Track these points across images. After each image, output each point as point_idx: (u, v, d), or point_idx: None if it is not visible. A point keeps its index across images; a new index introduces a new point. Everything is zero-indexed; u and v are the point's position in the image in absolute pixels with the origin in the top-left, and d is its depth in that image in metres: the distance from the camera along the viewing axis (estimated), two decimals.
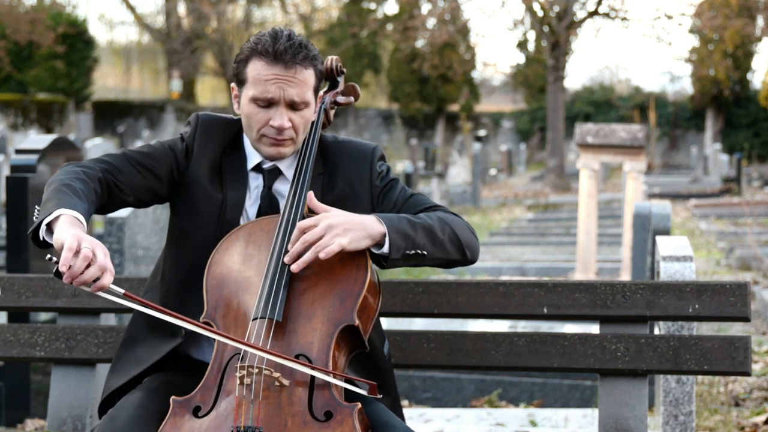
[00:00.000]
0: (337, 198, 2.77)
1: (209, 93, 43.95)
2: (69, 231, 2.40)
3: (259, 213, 2.78)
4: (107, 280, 2.40)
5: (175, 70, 39.25)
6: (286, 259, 2.58)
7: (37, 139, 6.20)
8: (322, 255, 2.53)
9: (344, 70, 2.99)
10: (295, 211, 2.68)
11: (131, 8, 40.73)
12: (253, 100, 2.70)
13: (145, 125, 37.00)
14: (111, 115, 37.67)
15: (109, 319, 3.36)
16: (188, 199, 2.79)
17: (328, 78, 2.97)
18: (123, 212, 6.14)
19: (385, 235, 2.60)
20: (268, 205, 2.78)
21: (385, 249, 2.60)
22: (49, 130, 33.37)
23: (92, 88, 36.73)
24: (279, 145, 2.72)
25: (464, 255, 2.74)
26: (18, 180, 5.77)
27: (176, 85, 39.21)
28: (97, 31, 56.77)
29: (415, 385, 6.46)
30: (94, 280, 2.39)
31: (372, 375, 2.71)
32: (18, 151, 6.03)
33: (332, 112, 2.96)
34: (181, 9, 39.94)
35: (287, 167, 2.80)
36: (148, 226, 6.53)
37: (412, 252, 2.63)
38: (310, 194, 2.66)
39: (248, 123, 2.74)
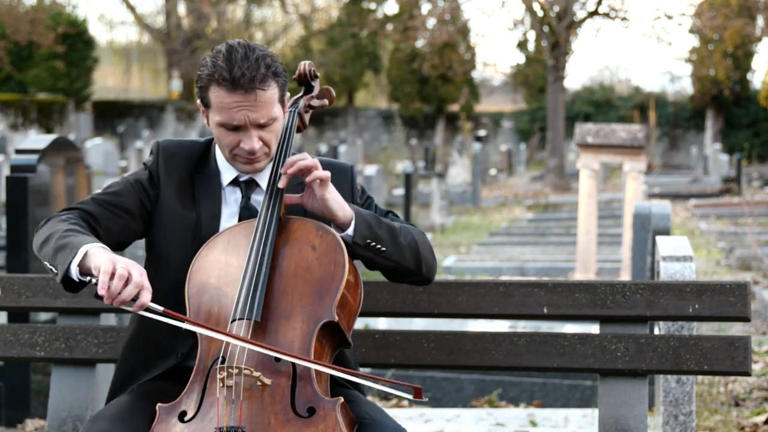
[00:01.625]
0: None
1: None
2: (103, 256, 2.47)
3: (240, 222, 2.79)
4: (146, 298, 2.46)
5: (175, 70, 39.24)
6: (280, 184, 2.69)
7: (37, 139, 6.19)
8: (311, 176, 2.64)
9: (318, 74, 3.00)
10: (272, 212, 2.70)
11: (131, 8, 40.72)
12: (221, 125, 2.71)
13: (145, 125, 37.00)
14: (111, 115, 37.65)
15: (109, 319, 3.36)
16: (163, 223, 2.81)
17: (302, 83, 2.98)
18: None
19: (352, 219, 2.68)
20: (248, 215, 2.80)
21: (350, 231, 2.67)
22: (49, 130, 33.36)
23: (92, 88, 36.72)
24: (253, 162, 2.75)
25: (419, 267, 2.78)
26: (18, 180, 5.77)
27: (176, 85, 39.20)
28: (97, 31, 56.72)
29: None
30: (134, 299, 2.45)
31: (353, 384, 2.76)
32: (18, 151, 6.03)
33: (307, 116, 2.97)
34: (181, 9, 39.93)
35: (262, 177, 2.82)
36: None
37: (372, 244, 2.68)
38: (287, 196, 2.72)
39: (219, 144, 2.77)
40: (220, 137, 2.74)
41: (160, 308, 2.49)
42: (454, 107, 37.79)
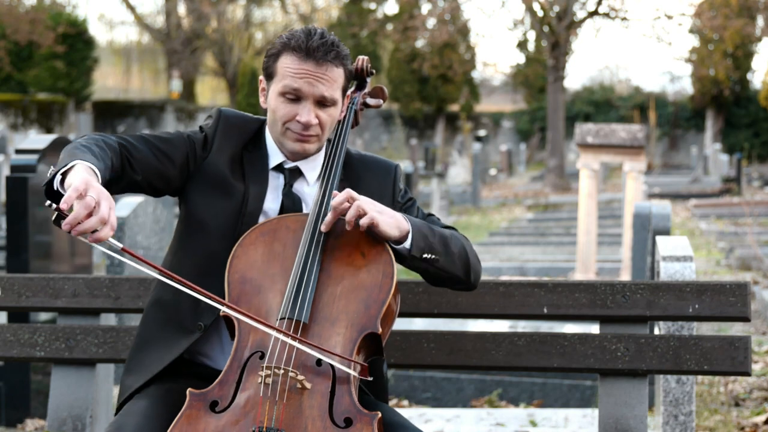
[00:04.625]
0: None
1: (209, 93, 43.95)
2: (81, 176, 2.34)
3: (282, 211, 2.76)
4: (105, 233, 2.31)
5: (175, 70, 39.26)
6: (323, 228, 2.61)
7: (37, 139, 6.20)
8: (358, 220, 2.55)
9: (374, 71, 2.97)
10: (324, 209, 2.66)
11: (131, 8, 40.73)
12: (282, 94, 2.69)
13: (145, 125, 37.01)
14: (111, 115, 37.66)
15: (109, 319, 3.36)
16: (206, 189, 2.75)
17: (357, 78, 2.95)
18: (123, 212, 6.14)
19: (408, 232, 2.63)
20: (291, 203, 2.76)
21: (407, 245, 2.63)
22: (49, 130, 33.36)
23: (92, 88, 36.72)
24: (304, 140, 2.72)
25: (468, 275, 2.75)
26: (18, 180, 5.77)
27: (176, 85, 39.21)
28: (97, 31, 56.74)
29: (415, 385, 6.46)
30: (93, 232, 2.30)
31: (370, 387, 2.74)
32: (18, 151, 6.03)
33: (361, 114, 2.94)
34: (181, 9, 39.94)
35: (309, 169, 2.79)
36: (148, 226, 6.53)
37: (428, 256, 2.65)
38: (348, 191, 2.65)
39: (274, 117, 2.73)
40: (276, 109, 2.71)
41: (119, 245, 2.34)
42: (454, 107, 37.79)
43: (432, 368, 3.20)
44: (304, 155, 2.76)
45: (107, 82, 44.15)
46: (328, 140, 2.84)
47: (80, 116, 35.21)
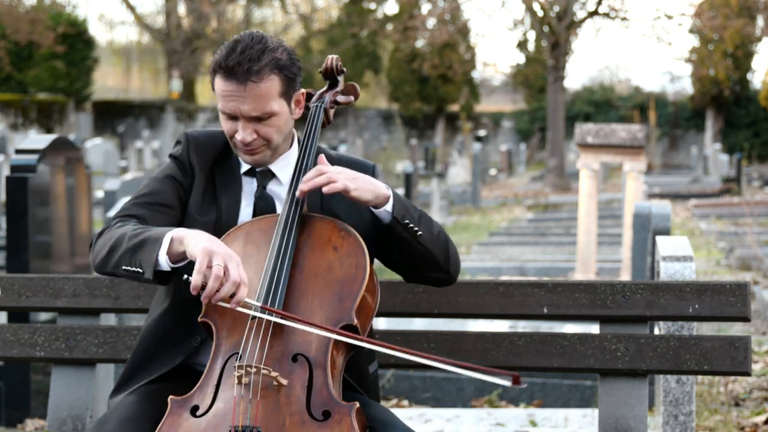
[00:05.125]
0: (336, 201, 2.76)
1: (209, 93, 43.90)
2: (196, 246, 2.43)
3: (255, 213, 2.77)
4: (242, 293, 2.43)
5: (175, 70, 39.25)
6: (298, 194, 2.63)
7: (37, 139, 6.20)
8: (327, 188, 2.57)
9: (344, 69, 2.97)
10: (295, 208, 2.67)
11: (131, 8, 40.73)
12: (221, 112, 2.72)
13: (145, 125, 37.00)
14: (111, 115, 37.66)
15: (109, 319, 3.37)
16: (193, 213, 2.78)
17: (327, 77, 2.96)
18: None
19: (389, 197, 2.65)
20: (263, 204, 2.78)
21: (388, 207, 2.64)
22: (49, 130, 33.38)
23: (92, 88, 36.73)
24: (252, 153, 2.72)
25: (447, 262, 2.76)
26: (18, 180, 5.77)
27: (176, 85, 39.20)
28: (97, 31, 56.77)
29: (415, 385, 6.46)
30: (232, 295, 2.42)
31: (353, 386, 2.73)
32: (18, 151, 6.03)
33: (332, 111, 2.95)
34: (181, 9, 39.94)
35: (280, 168, 2.80)
36: None
37: (410, 225, 2.66)
38: (321, 156, 2.69)
39: (224, 132, 2.77)
40: (222, 125, 2.74)
41: (258, 304, 2.47)
42: (454, 107, 37.78)
43: (432, 368, 3.19)
44: (262, 164, 2.77)
45: (107, 82, 44.15)
46: (299, 139, 2.85)
47: (80, 116, 35.22)
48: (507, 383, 2.42)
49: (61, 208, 6.28)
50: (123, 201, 6.15)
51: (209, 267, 2.40)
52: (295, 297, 2.58)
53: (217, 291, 2.40)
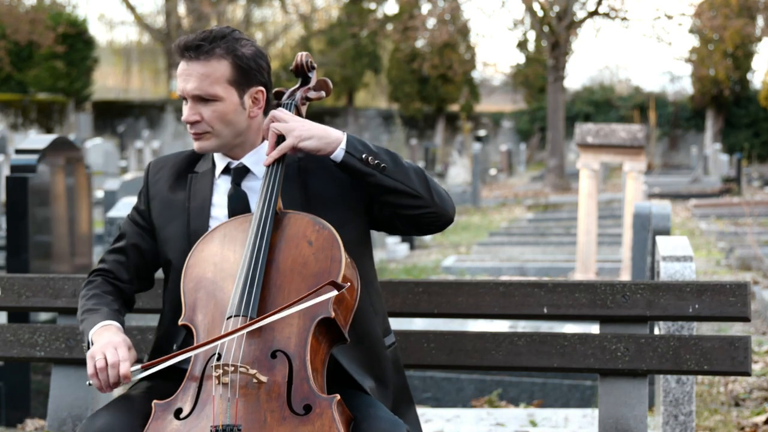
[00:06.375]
0: (318, 179, 2.76)
1: None
2: (90, 354, 2.61)
3: (229, 210, 2.78)
4: (124, 369, 2.57)
5: (175, 70, 39.22)
6: (264, 163, 2.70)
7: (37, 139, 6.20)
8: (279, 148, 2.67)
9: (315, 65, 2.95)
10: (268, 207, 2.67)
11: (131, 8, 40.73)
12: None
13: (145, 125, 37.00)
14: (111, 115, 37.68)
15: None
16: (162, 236, 2.83)
17: (299, 74, 2.94)
18: (123, 212, 6.14)
19: (342, 139, 2.67)
20: (237, 201, 2.77)
21: (342, 145, 2.65)
22: (49, 130, 33.39)
23: (92, 88, 36.73)
24: (197, 138, 2.75)
25: (430, 193, 2.69)
26: (18, 180, 5.77)
27: (176, 85, 39.19)
28: (97, 31, 56.80)
29: (415, 385, 6.46)
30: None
31: (372, 362, 2.73)
32: (18, 151, 6.03)
33: (304, 108, 2.93)
34: (181, 9, 39.94)
35: (253, 162, 2.80)
36: None
37: (370, 158, 2.65)
38: (273, 112, 2.74)
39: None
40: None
41: (138, 366, 2.60)
42: (454, 107, 37.79)
43: (432, 368, 3.20)
44: (205, 152, 2.79)
45: (107, 82, 44.16)
46: None
47: (80, 116, 35.23)
48: (332, 294, 2.50)
49: (61, 208, 6.28)
50: (123, 201, 6.16)
51: (95, 370, 2.57)
52: (271, 294, 2.59)
53: (108, 384, 2.57)
